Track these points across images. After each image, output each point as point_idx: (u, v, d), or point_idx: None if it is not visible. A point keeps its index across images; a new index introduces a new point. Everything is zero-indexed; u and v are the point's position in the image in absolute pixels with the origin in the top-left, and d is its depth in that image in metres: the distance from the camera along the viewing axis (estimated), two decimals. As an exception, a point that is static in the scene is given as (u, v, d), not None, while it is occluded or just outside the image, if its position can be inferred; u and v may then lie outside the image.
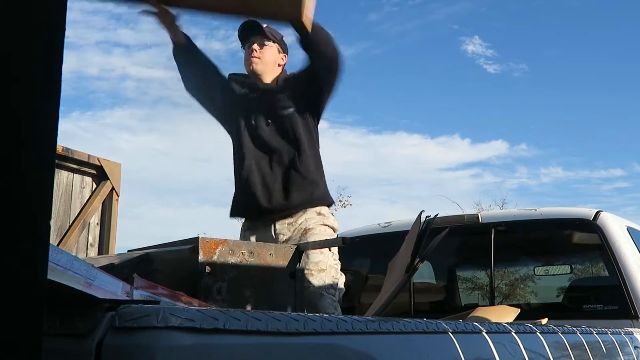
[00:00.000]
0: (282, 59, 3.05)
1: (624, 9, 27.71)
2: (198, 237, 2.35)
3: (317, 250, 2.74)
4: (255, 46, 2.96)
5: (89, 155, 4.72)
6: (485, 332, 1.41)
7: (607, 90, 29.04)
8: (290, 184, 2.85)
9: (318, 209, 2.89)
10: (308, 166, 2.88)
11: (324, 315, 0.90)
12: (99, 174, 4.84)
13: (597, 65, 29.03)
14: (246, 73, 3.04)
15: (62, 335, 0.68)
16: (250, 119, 2.95)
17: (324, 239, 2.77)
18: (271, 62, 2.99)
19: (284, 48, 3.06)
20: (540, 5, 28.61)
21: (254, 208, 2.91)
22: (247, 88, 3.03)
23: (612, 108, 29.58)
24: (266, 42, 2.97)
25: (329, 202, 2.96)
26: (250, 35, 2.98)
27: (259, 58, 2.95)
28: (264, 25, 2.99)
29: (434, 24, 28.83)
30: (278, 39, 3.02)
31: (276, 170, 2.87)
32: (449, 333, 1.24)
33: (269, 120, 2.91)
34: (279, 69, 3.02)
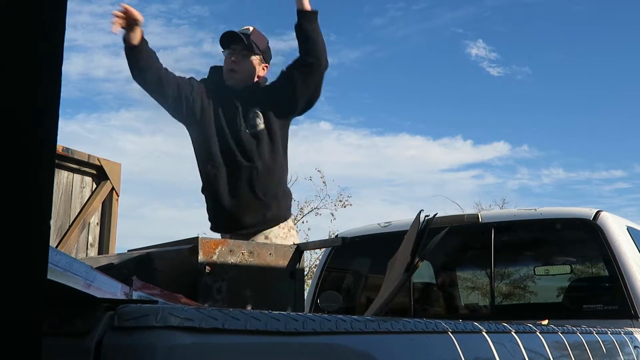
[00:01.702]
0: (263, 69, 2.96)
1: (625, 13, 27.91)
2: (198, 236, 2.35)
3: None
4: (235, 57, 2.87)
5: (89, 155, 4.72)
6: (485, 332, 1.41)
7: (608, 93, 29.24)
8: (245, 205, 2.83)
9: (282, 224, 2.90)
10: (265, 186, 2.84)
11: (324, 315, 0.91)
12: (99, 174, 4.84)
13: (598, 68, 29.25)
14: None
15: (62, 335, 0.68)
16: (220, 127, 2.87)
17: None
18: (248, 76, 2.91)
19: (266, 58, 2.96)
20: (543, 10, 28.90)
21: (222, 225, 2.92)
22: (222, 91, 2.92)
23: (613, 110, 29.75)
24: (247, 53, 2.87)
25: (283, 219, 2.93)
26: (232, 42, 2.89)
27: (235, 72, 2.88)
28: (250, 29, 2.90)
29: (437, 28, 29.11)
30: (262, 49, 2.92)
31: (237, 188, 2.84)
32: (449, 333, 1.24)
33: (238, 134, 2.85)
34: (256, 79, 2.94)
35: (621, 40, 28.70)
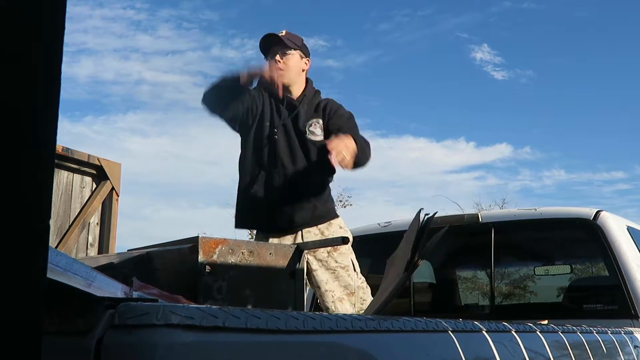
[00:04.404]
0: (306, 63, 3.08)
1: (626, 19, 28.23)
2: (198, 236, 2.35)
3: (344, 273, 2.86)
4: (278, 57, 2.97)
5: (88, 155, 4.72)
6: (485, 331, 1.41)
7: (610, 96, 29.51)
8: (295, 206, 2.92)
9: (333, 221, 3.00)
10: (316, 191, 2.97)
11: (324, 313, 0.91)
12: (99, 174, 4.84)
13: (600, 71, 29.54)
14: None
15: (62, 333, 0.68)
16: (274, 132, 2.95)
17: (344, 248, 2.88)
18: (295, 71, 3.02)
19: (305, 52, 3.08)
20: (548, 16, 29.35)
21: (263, 222, 2.95)
22: (274, 99, 3.00)
23: (614, 112, 29.98)
24: (287, 51, 2.99)
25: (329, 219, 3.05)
26: (271, 45, 3.01)
27: (282, 70, 2.95)
28: (283, 33, 3.00)
29: (443, 33, 29.53)
30: (299, 45, 3.04)
31: (287, 190, 2.91)
32: (449, 332, 1.24)
33: (293, 139, 2.93)
34: (304, 75, 3.08)
35: (623, 44, 29.01)
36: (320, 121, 2.97)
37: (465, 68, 29.57)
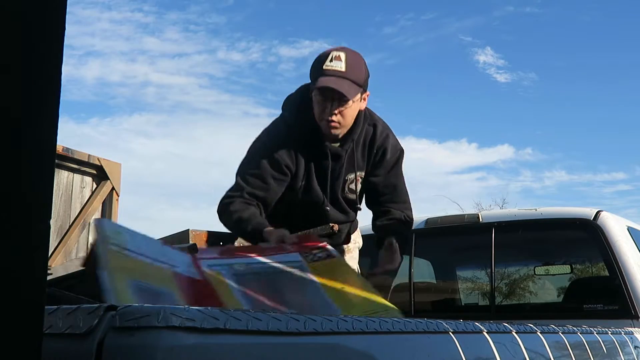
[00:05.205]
0: (364, 100, 2.42)
1: (630, 21, 28.50)
2: (188, 230, 2.36)
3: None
4: (335, 109, 2.31)
5: (89, 155, 4.72)
6: (486, 332, 1.41)
7: (612, 98, 29.82)
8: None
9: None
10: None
11: (325, 315, 0.90)
12: (99, 174, 4.84)
13: (602, 75, 29.86)
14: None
15: (63, 335, 0.68)
16: (324, 200, 2.53)
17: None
18: (351, 121, 2.40)
19: (366, 85, 2.39)
20: (551, 20, 29.67)
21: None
22: (316, 148, 2.45)
23: (616, 113, 30.26)
24: (347, 103, 2.31)
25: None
26: (326, 75, 2.29)
27: (338, 124, 2.35)
28: (341, 58, 2.29)
29: (446, 36, 29.89)
30: (362, 81, 2.35)
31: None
32: (450, 333, 1.24)
33: (335, 194, 2.54)
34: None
35: (625, 48, 29.25)
36: (363, 174, 2.56)
37: (469, 71, 29.90)
